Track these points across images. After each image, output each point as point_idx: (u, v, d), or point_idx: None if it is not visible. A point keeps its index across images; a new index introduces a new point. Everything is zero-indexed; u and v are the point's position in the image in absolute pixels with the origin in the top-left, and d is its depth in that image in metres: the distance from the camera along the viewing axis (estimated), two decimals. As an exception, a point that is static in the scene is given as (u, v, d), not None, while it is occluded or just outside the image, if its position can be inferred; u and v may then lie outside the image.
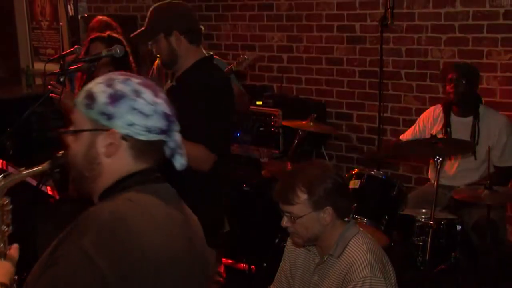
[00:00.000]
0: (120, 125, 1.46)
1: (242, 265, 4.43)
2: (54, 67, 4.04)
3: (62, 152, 1.58)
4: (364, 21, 5.00)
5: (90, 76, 3.27)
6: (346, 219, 2.41)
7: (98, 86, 1.48)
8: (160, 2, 2.95)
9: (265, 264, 3.97)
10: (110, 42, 3.50)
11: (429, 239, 3.33)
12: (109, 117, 1.45)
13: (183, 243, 1.52)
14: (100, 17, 4.81)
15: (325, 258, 2.36)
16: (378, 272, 2.24)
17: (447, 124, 4.02)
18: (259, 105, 5.01)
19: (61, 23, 6.82)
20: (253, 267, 4.31)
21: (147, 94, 1.48)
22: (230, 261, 4.52)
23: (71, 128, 1.53)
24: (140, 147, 1.50)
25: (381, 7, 4.81)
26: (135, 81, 1.50)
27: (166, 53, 2.87)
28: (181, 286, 1.49)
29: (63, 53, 3.97)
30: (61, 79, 2.97)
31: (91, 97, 1.47)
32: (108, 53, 2.92)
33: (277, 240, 4.11)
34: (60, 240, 1.44)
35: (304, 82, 5.43)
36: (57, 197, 3.26)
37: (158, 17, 2.85)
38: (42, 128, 5.50)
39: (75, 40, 6.06)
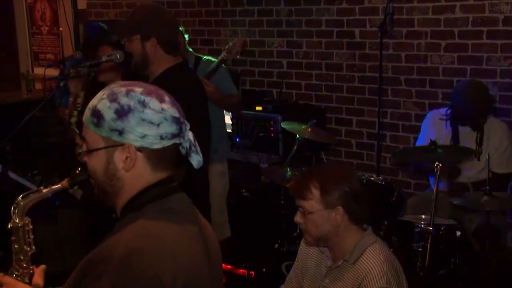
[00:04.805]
0: (133, 139, 1.45)
1: (242, 271, 4.43)
2: (54, 72, 4.04)
3: (80, 169, 1.59)
4: (363, 27, 5.01)
5: (89, 80, 3.28)
6: (364, 225, 2.42)
7: (102, 102, 1.47)
8: (147, 3, 2.89)
9: (264, 270, 3.96)
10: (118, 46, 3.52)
11: (428, 245, 3.32)
12: (120, 132, 1.45)
13: (200, 262, 1.52)
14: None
15: (340, 262, 2.36)
16: (393, 283, 2.26)
17: (454, 135, 4.00)
18: (258, 110, 5.00)
19: (61, 28, 6.83)
20: (253, 272, 4.30)
21: (153, 102, 1.47)
22: (229, 266, 4.51)
23: (85, 147, 1.52)
24: (157, 156, 1.50)
25: (380, 13, 4.81)
26: (137, 90, 1.48)
27: (137, 55, 2.78)
28: None
29: (63, 58, 3.98)
30: (61, 84, 2.98)
31: (98, 115, 1.46)
32: (108, 58, 2.92)
33: (276, 246, 4.10)
34: (82, 270, 1.44)
35: (304, 87, 5.43)
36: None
37: (141, 17, 2.75)
38: (42, 133, 5.49)
39: (75, 45, 6.06)
